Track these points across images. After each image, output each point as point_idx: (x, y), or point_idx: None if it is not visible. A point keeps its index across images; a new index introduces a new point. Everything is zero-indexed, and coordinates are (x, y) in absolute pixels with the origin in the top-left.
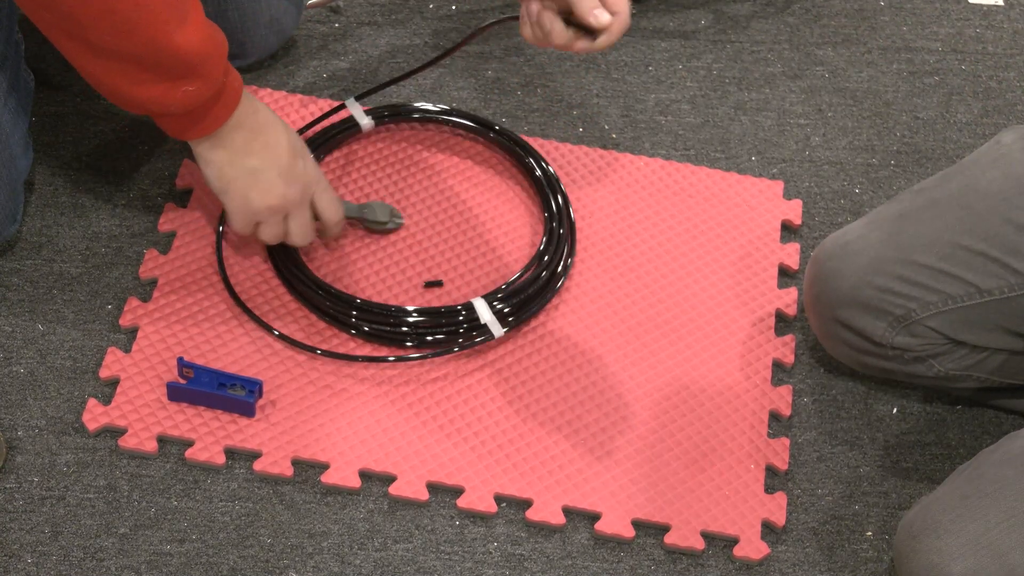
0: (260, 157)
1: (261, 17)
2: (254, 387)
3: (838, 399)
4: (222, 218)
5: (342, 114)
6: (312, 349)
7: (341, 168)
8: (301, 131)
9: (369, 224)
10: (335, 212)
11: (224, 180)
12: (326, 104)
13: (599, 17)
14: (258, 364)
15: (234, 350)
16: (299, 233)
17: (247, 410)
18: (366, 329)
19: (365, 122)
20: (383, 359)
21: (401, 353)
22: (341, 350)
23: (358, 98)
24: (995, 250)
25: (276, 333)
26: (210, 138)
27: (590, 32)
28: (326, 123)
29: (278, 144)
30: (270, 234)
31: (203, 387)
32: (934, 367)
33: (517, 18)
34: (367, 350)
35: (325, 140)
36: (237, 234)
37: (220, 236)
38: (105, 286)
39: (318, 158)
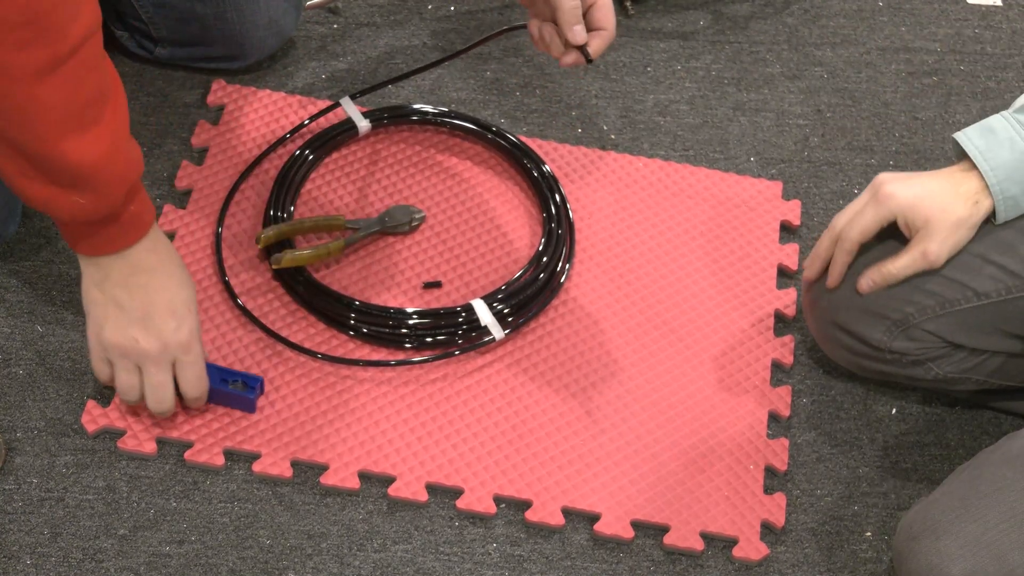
0: (130, 296)
1: (260, 18)
2: (255, 383)
3: (837, 400)
4: (221, 219)
5: (340, 115)
6: (312, 353)
7: (340, 170)
8: (297, 129)
9: (392, 230)
10: (194, 389)
11: (88, 300)
12: (324, 105)
13: (576, 35)
14: (257, 365)
15: (233, 351)
16: (152, 393)
17: (248, 406)
18: (365, 331)
19: (363, 124)
20: (385, 363)
21: (403, 356)
22: (340, 351)
23: (354, 97)
24: (992, 252)
25: (275, 335)
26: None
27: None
28: (324, 124)
29: (156, 293)
30: (123, 383)
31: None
32: (932, 370)
33: (525, 26)
34: (367, 350)
35: (323, 142)
36: (94, 371)
37: (219, 237)
38: None
39: (317, 160)
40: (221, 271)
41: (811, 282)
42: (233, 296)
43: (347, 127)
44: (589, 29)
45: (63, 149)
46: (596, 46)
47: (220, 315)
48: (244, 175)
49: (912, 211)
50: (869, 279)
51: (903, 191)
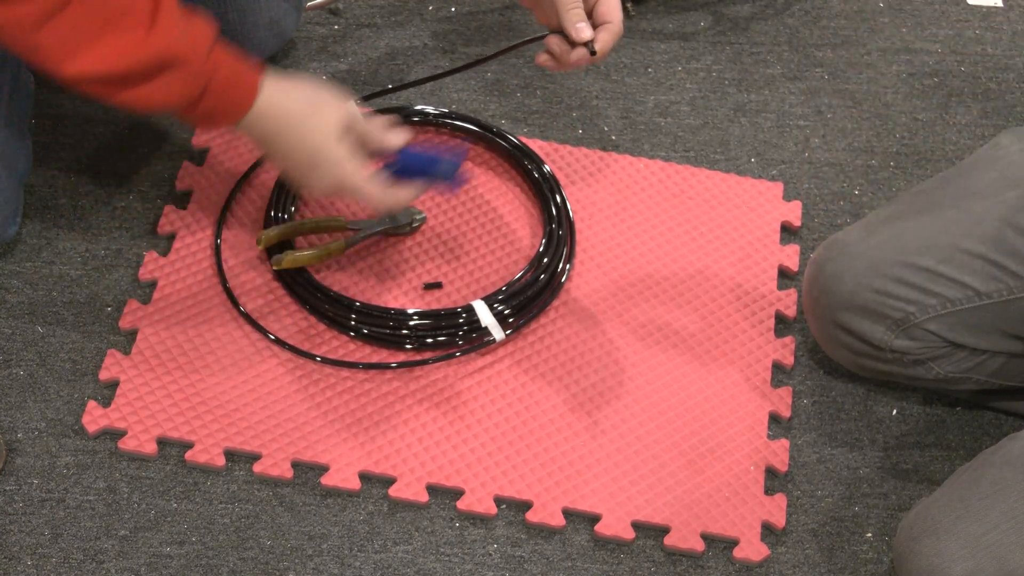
0: (275, 157)
1: (261, 19)
2: (452, 174)
3: (838, 401)
4: (222, 220)
5: None
6: (311, 356)
7: None
8: None
9: (393, 231)
10: (376, 209)
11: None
12: None
13: (581, 32)
14: (258, 366)
15: (233, 352)
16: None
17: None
18: (365, 332)
19: None
20: (386, 365)
21: (404, 358)
22: (341, 351)
23: (362, 100)
24: (994, 253)
25: (275, 337)
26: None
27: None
28: None
29: (284, 161)
30: None
31: (405, 172)
32: (933, 370)
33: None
34: (367, 351)
35: None
36: None
37: (219, 238)
38: (105, 288)
39: None
40: (221, 271)
41: None
42: (232, 297)
43: None
44: (595, 24)
45: (69, 71)
46: (603, 40)
47: (220, 316)
48: (245, 176)
49: None
50: None
51: None
